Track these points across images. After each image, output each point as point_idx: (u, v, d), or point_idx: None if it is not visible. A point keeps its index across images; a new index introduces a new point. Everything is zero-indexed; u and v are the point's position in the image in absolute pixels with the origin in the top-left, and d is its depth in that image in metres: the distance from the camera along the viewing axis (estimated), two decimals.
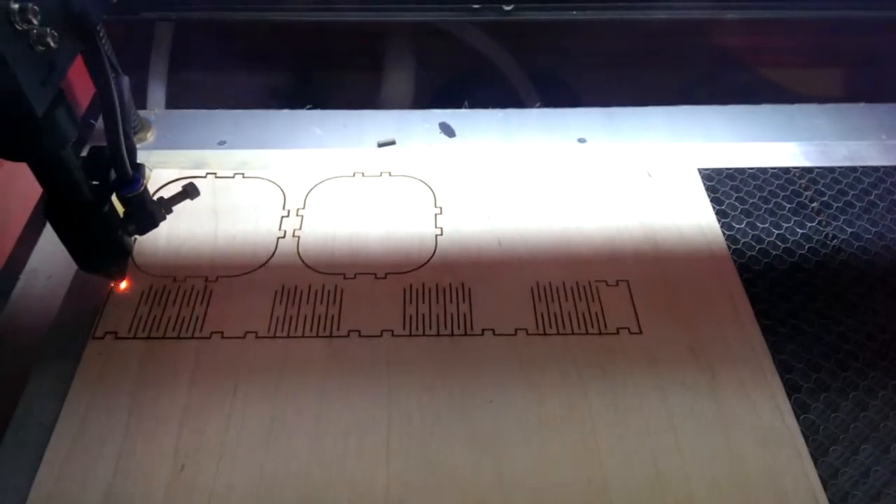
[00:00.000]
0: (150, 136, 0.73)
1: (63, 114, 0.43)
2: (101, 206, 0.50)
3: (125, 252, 0.55)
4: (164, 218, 0.56)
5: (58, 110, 0.42)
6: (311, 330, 0.56)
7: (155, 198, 0.55)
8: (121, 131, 0.47)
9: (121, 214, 0.53)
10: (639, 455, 0.49)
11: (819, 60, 0.93)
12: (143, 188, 0.52)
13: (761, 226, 0.65)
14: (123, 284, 0.59)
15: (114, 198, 0.52)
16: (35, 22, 0.37)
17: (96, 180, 0.50)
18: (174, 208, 0.58)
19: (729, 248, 0.63)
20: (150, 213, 0.54)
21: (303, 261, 0.61)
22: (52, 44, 0.38)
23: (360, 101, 0.83)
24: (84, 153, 0.52)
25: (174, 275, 0.60)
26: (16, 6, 0.36)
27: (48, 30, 0.38)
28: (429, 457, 0.49)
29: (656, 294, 0.59)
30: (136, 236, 0.57)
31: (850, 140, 0.74)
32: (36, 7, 0.37)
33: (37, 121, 0.41)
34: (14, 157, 0.45)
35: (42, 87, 0.40)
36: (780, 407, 0.52)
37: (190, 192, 0.58)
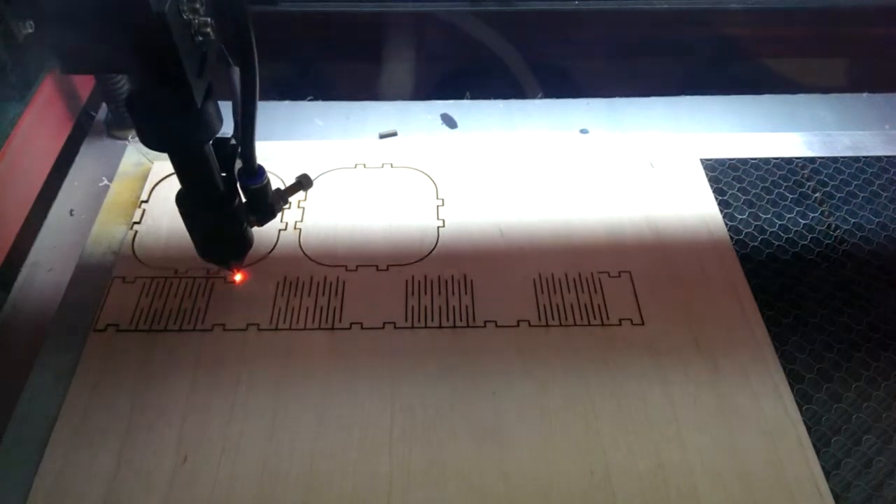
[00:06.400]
0: None
1: (212, 106, 0.43)
2: (233, 198, 0.51)
3: (248, 243, 0.55)
4: (282, 209, 0.56)
5: (208, 102, 0.43)
6: (313, 322, 0.56)
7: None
8: (255, 124, 0.47)
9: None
10: (641, 446, 0.49)
11: (822, 50, 0.92)
12: (266, 180, 0.52)
13: (764, 216, 0.65)
14: (239, 277, 0.59)
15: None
16: (201, 12, 0.37)
17: (223, 172, 0.50)
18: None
19: (731, 238, 0.63)
20: (270, 204, 0.54)
21: (304, 253, 0.61)
22: (210, 34, 0.38)
23: (362, 92, 0.82)
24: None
25: (175, 267, 0.59)
26: None
27: (209, 20, 0.38)
28: (431, 448, 0.49)
29: (659, 285, 0.59)
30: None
31: (853, 130, 0.74)
32: None
33: (194, 112, 0.41)
34: (160, 147, 0.45)
35: (199, 79, 0.40)
36: (783, 397, 0.52)
37: (304, 183, 0.57)
